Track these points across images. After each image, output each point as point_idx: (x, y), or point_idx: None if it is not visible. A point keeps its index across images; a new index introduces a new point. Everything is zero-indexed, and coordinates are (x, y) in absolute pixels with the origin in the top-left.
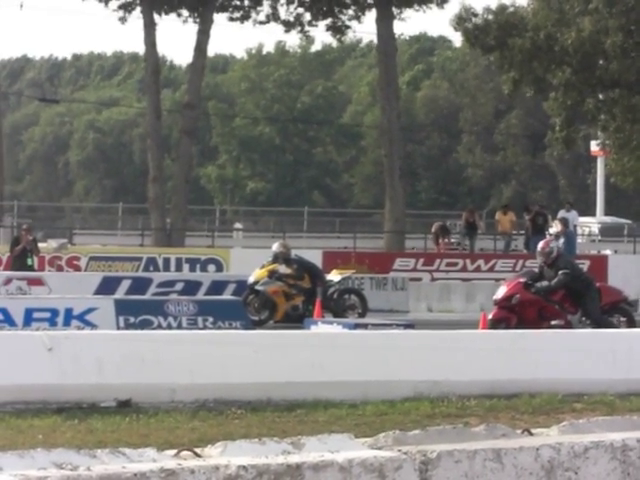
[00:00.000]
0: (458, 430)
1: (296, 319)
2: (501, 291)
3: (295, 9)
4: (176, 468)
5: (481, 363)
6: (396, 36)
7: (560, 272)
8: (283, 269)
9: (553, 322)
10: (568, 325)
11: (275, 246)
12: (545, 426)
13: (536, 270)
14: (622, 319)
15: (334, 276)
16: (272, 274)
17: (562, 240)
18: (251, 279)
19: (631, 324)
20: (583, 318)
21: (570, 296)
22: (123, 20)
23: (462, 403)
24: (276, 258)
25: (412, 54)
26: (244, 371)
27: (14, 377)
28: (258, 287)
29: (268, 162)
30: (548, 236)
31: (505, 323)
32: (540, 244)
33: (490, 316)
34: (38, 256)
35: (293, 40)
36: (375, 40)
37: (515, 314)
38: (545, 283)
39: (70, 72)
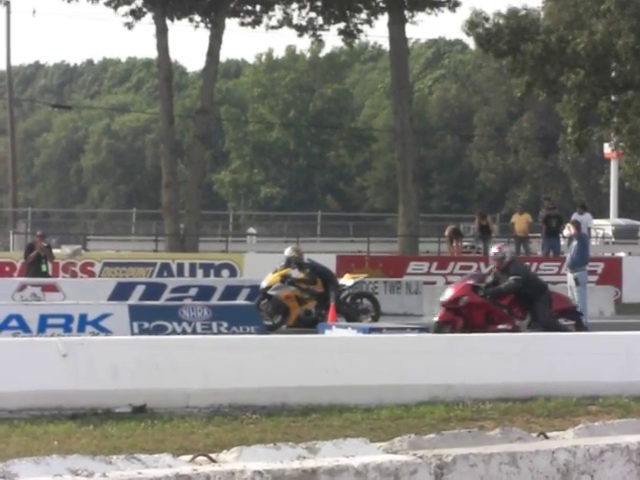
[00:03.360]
0: (473, 434)
1: (309, 324)
2: (448, 293)
3: (307, 13)
4: (191, 474)
5: (496, 366)
6: (410, 40)
7: (511, 277)
8: (296, 273)
9: (500, 326)
10: (516, 330)
11: (287, 251)
12: (561, 429)
13: (485, 272)
14: (571, 323)
15: (347, 280)
16: (285, 279)
17: (575, 243)
18: (264, 284)
19: (580, 329)
20: (533, 323)
21: (520, 301)
22: (130, 26)
23: (477, 407)
24: (289, 262)
25: (429, 58)
26: (259, 376)
27: (29, 383)
28: (271, 292)
29: (281, 167)
30: (562, 239)
31: (451, 325)
32: (493, 249)
33: (436, 318)
34: (52, 262)
35: (303, 44)
36: (386, 44)
37: (462, 317)
38: (496, 287)
39: (83, 78)
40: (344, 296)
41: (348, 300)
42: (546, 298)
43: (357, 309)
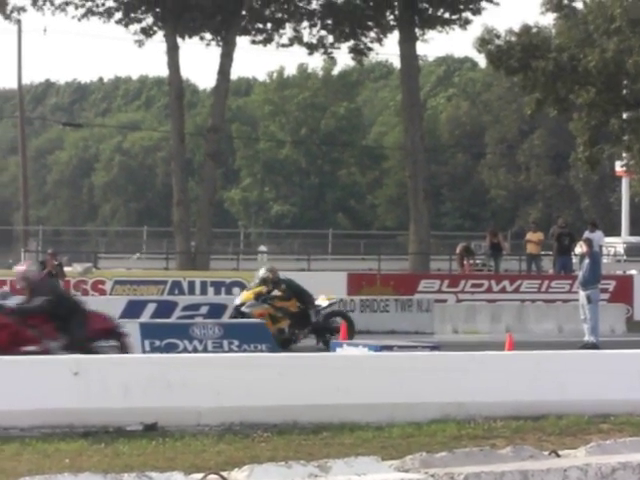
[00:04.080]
0: (485, 452)
1: (282, 343)
2: None
3: (318, 32)
4: None
5: (507, 384)
6: (419, 57)
7: (41, 297)
8: (275, 292)
9: (27, 348)
10: (46, 352)
11: (262, 271)
12: (572, 447)
13: (7, 291)
14: (115, 344)
15: (322, 301)
16: (258, 296)
17: (587, 261)
18: (237, 301)
19: (124, 350)
20: (69, 344)
21: (52, 321)
22: (141, 44)
23: (488, 425)
24: (264, 282)
25: (440, 76)
26: (270, 394)
27: (41, 401)
28: (244, 309)
29: (292, 185)
30: (574, 257)
31: None
32: (20, 266)
33: None
34: (63, 280)
35: (315, 62)
36: (397, 62)
37: None
38: (23, 306)
39: (94, 96)
40: (319, 316)
41: (321, 319)
42: (81, 318)
43: (331, 327)
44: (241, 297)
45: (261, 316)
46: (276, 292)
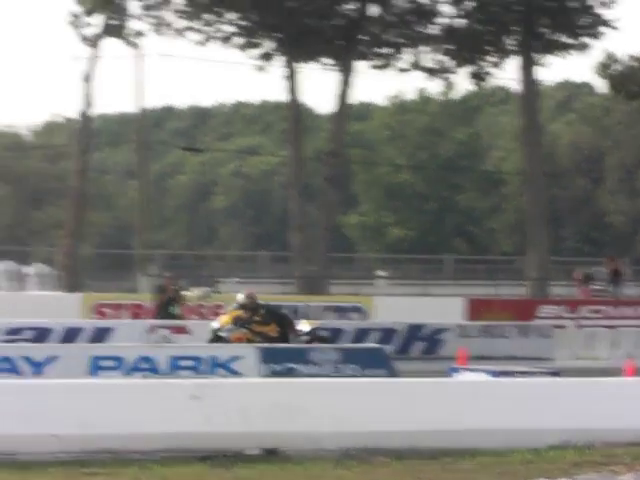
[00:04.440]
0: (605, 478)
1: None
2: None
3: (437, 57)
4: None
5: (628, 411)
6: (538, 82)
7: None
8: (254, 317)
9: None
10: None
11: (240, 297)
12: None
13: None
14: None
15: (304, 326)
16: (237, 320)
17: None
18: (215, 325)
19: None
20: None
21: None
22: (260, 69)
23: (608, 451)
24: (242, 307)
25: (561, 101)
26: (388, 419)
27: (161, 425)
28: (222, 333)
29: (411, 209)
30: None
31: None
32: None
33: None
34: (182, 304)
35: (433, 87)
36: (514, 86)
37: None
38: None
39: (214, 120)
40: (299, 341)
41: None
42: None
43: None
44: (219, 321)
45: (239, 340)
46: (255, 317)
